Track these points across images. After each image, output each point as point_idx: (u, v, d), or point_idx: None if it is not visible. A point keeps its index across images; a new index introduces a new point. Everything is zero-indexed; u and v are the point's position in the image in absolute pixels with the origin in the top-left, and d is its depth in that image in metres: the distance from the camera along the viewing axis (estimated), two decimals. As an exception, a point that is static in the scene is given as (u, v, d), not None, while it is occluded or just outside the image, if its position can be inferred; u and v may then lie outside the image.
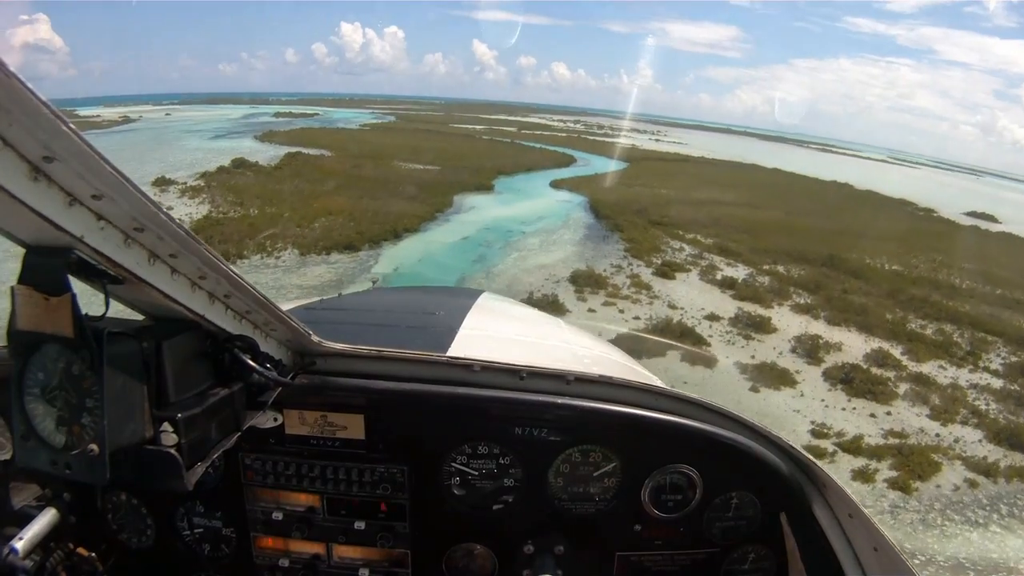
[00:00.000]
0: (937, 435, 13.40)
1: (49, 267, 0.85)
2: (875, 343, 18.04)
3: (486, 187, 40.85)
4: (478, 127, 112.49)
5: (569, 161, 63.05)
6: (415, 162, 48.95)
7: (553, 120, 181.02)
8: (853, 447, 12.27)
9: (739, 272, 24.13)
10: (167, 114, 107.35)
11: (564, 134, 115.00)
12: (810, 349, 16.99)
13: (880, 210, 51.15)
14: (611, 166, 63.17)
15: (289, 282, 19.31)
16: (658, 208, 36.48)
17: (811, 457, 1.57)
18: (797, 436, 12.28)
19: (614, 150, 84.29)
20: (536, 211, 34.19)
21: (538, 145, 78.08)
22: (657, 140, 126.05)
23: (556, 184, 45.40)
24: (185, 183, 32.53)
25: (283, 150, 50.93)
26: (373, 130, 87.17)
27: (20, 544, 1.25)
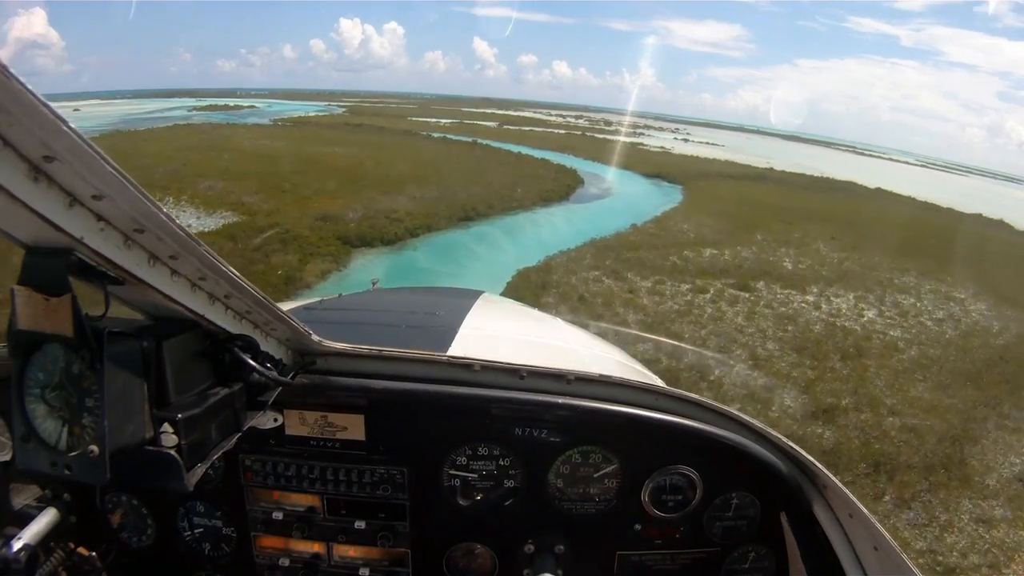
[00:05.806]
0: None
1: (49, 268, 0.84)
2: None
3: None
4: (443, 121, 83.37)
5: (571, 186, 32.95)
6: (211, 203, 20.27)
7: (551, 115, 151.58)
8: None
9: None
10: (76, 110, 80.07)
11: (563, 131, 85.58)
12: None
13: None
14: (651, 197, 32.84)
15: None
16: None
17: (811, 457, 1.56)
18: None
19: (638, 158, 54.70)
20: None
21: (517, 149, 48.02)
22: (685, 140, 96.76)
23: (534, 291, 14.02)
24: None
25: None
26: (276, 128, 58.49)
27: (20, 544, 1.27)
